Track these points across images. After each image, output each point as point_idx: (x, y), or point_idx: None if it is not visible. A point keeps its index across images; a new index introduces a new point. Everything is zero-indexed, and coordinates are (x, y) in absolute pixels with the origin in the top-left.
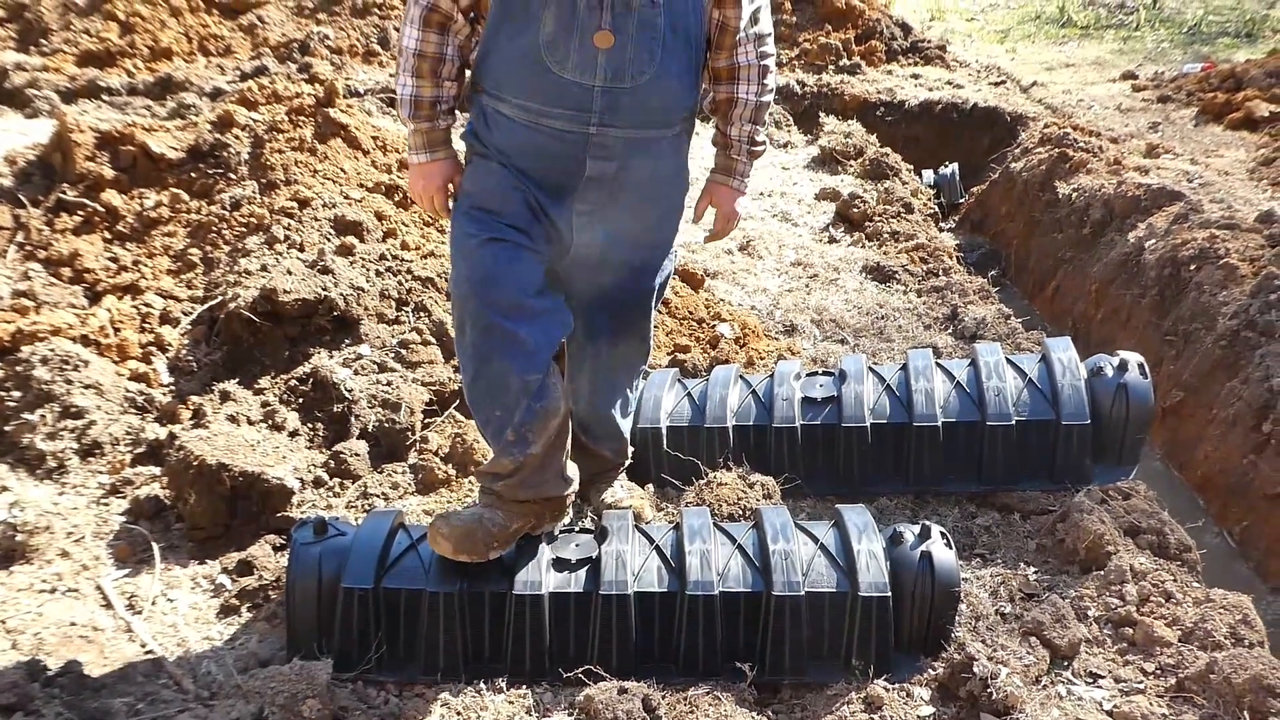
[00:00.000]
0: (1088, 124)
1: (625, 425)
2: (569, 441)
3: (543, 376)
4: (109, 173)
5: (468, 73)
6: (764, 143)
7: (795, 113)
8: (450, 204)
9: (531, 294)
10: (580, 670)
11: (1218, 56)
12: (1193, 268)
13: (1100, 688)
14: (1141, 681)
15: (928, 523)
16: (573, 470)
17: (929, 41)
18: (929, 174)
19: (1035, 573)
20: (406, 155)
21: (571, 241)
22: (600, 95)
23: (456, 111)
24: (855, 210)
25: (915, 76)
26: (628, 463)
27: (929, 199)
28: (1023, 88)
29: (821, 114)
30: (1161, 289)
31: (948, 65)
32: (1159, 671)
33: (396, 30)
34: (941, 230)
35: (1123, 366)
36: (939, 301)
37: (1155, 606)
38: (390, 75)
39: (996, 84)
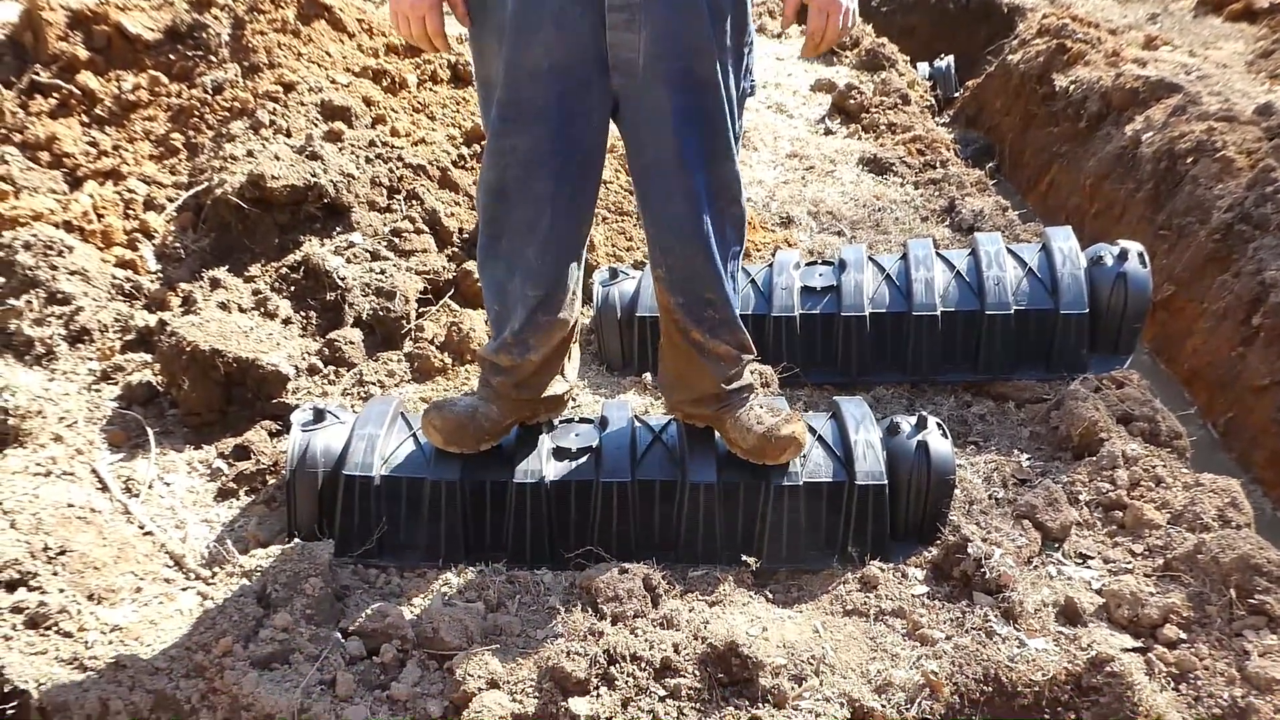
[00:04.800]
0: (1086, 14)
1: (733, 298)
2: (574, 348)
3: (546, 291)
4: (83, 53)
5: None
6: None
7: None
8: (442, 24)
9: (544, 208)
10: (580, 552)
11: None
12: (1189, 161)
13: (1090, 568)
14: (1130, 562)
15: (924, 413)
16: (572, 370)
17: None
18: (924, 66)
19: (1029, 459)
20: None
21: (610, 58)
22: None
23: None
24: (851, 101)
25: None
26: (753, 358)
27: (926, 90)
28: None
29: None
30: (1157, 183)
31: None
32: (1147, 552)
33: None
34: (937, 123)
35: (1123, 255)
36: (936, 194)
37: (1145, 491)
38: None
39: None
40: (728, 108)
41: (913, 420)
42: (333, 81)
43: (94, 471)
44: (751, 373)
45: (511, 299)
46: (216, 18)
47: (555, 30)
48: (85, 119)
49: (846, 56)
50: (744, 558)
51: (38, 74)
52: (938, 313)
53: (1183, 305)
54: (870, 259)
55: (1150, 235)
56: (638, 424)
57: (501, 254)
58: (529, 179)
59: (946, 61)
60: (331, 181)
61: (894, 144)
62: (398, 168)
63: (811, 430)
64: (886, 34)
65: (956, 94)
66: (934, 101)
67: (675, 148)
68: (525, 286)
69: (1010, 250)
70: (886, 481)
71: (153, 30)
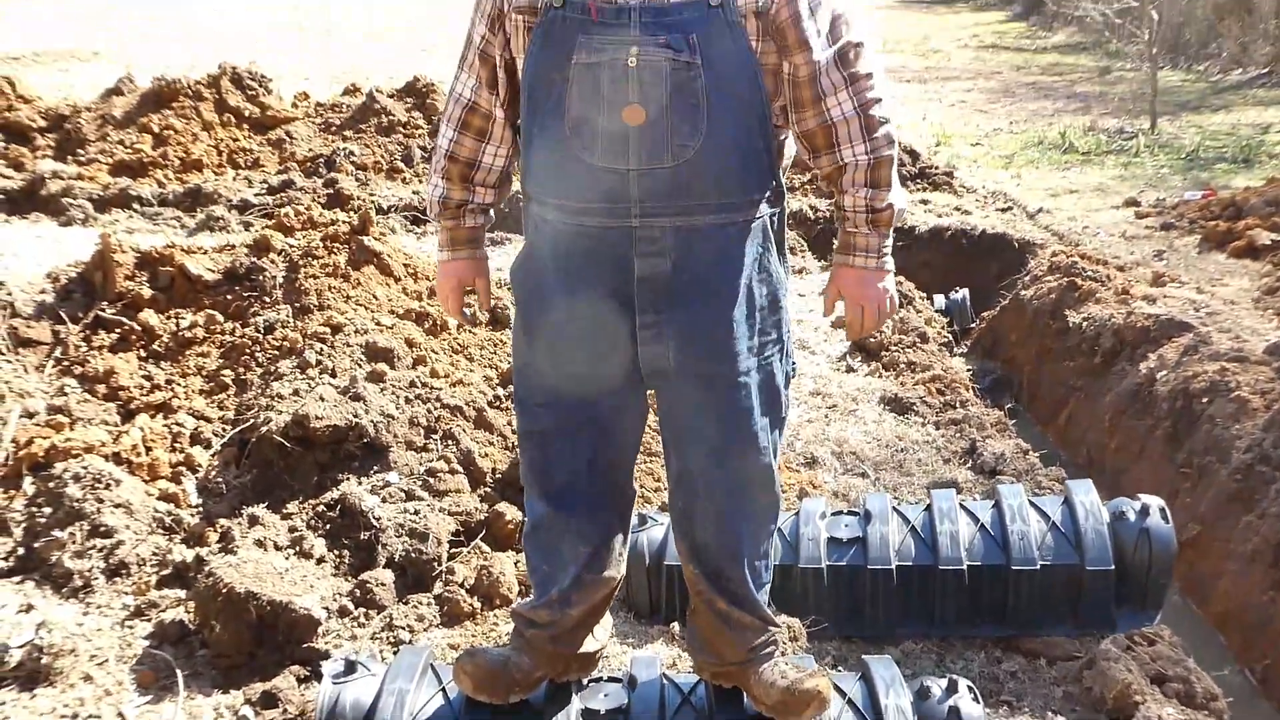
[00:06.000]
0: (1094, 252)
1: (755, 577)
2: (609, 604)
3: (594, 548)
4: (147, 292)
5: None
6: (889, 205)
7: (809, 237)
8: (465, 309)
9: (583, 477)
10: None
11: (1216, 182)
12: (1204, 400)
13: None
14: None
15: (955, 676)
16: (604, 630)
17: (936, 168)
18: (940, 298)
19: None
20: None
21: (642, 366)
22: (636, 180)
23: (490, 212)
24: (871, 339)
25: (924, 202)
26: (780, 631)
27: (943, 327)
28: (1029, 214)
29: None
30: (1174, 421)
31: (955, 191)
32: None
33: (421, 149)
34: (954, 355)
35: (1144, 511)
36: (957, 434)
37: None
38: (414, 192)
39: (1004, 210)
40: (761, 400)
41: (943, 683)
42: (378, 323)
43: (120, 716)
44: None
45: (560, 560)
46: (273, 261)
47: (592, 344)
48: (143, 353)
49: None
50: None
51: (103, 310)
52: (964, 567)
53: (1210, 546)
54: (895, 509)
55: (1171, 473)
56: (666, 683)
57: (552, 522)
58: (571, 455)
59: (962, 294)
60: (372, 422)
61: (914, 383)
62: (436, 408)
63: (840, 692)
64: (903, 268)
65: (973, 325)
66: (951, 337)
67: (705, 438)
68: (575, 547)
69: (1033, 503)
70: None
71: (213, 272)
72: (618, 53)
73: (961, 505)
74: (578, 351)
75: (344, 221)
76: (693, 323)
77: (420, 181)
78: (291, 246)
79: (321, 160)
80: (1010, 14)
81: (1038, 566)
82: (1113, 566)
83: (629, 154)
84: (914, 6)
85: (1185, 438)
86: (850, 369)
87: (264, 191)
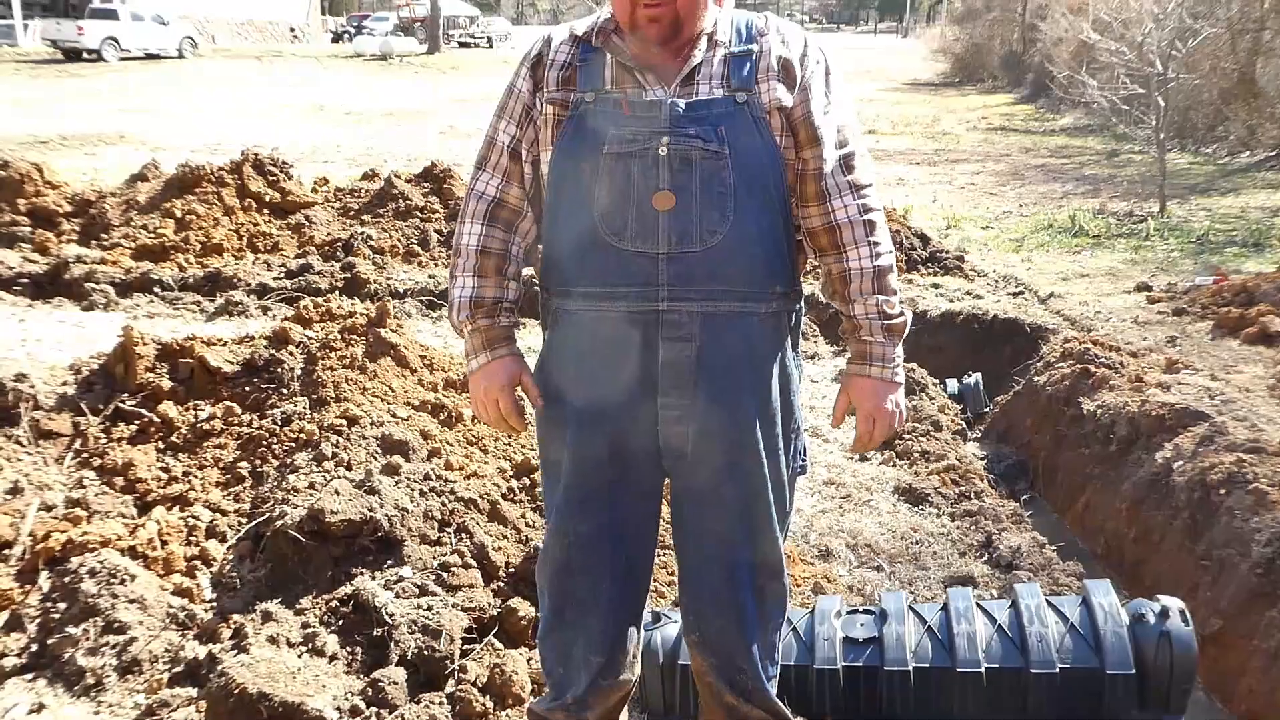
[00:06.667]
0: (1107, 337)
1: (765, 668)
2: (625, 705)
3: (609, 654)
4: (166, 384)
5: (527, 272)
6: (901, 312)
7: (821, 322)
8: (516, 407)
9: (605, 582)
10: None
11: (1227, 266)
12: (1222, 492)
13: None
14: None
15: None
16: None
17: (947, 252)
18: (953, 383)
19: None
20: (465, 365)
21: (661, 444)
22: (666, 263)
23: (516, 313)
24: None
25: (936, 286)
26: None
27: (956, 414)
28: (1040, 298)
29: None
30: (1192, 512)
31: (966, 275)
32: None
33: (437, 233)
34: (968, 441)
35: (1164, 614)
36: (972, 527)
37: None
38: (430, 276)
39: (1015, 294)
40: (773, 492)
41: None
42: (394, 415)
43: None
44: None
45: (574, 665)
46: (292, 353)
47: (616, 426)
48: (161, 445)
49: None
50: None
51: (123, 402)
52: (982, 669)
53: (1233, 641)
54: (911, 608)
55: (1192, 565)
56: None
57: (565, 624)
58: (592, 555)
59: (975, 378)
60: (387, 516)
61: (928, 473)
62: (450, 501)
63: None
64: (915, 352)
65: (986, 410)
66: (965, 424)
67: (717, 525)
68: (589, 653)
69: (1050, 603)
70: None
71: (232, 364)
72: (649, 143)
73: (978, 605)
74: (600, 437)
75: (362, 313)
76: (713, 409)
77: (437, 265)
78: (310, 339)
79: (339, 244)
80: (1018, 96)
81: (1057, 670)
82: (1134, 671)
83: (659, 238)
84: (922, 89)
85: (1204, 529)
86: (864, 457)
87: (282, 275)
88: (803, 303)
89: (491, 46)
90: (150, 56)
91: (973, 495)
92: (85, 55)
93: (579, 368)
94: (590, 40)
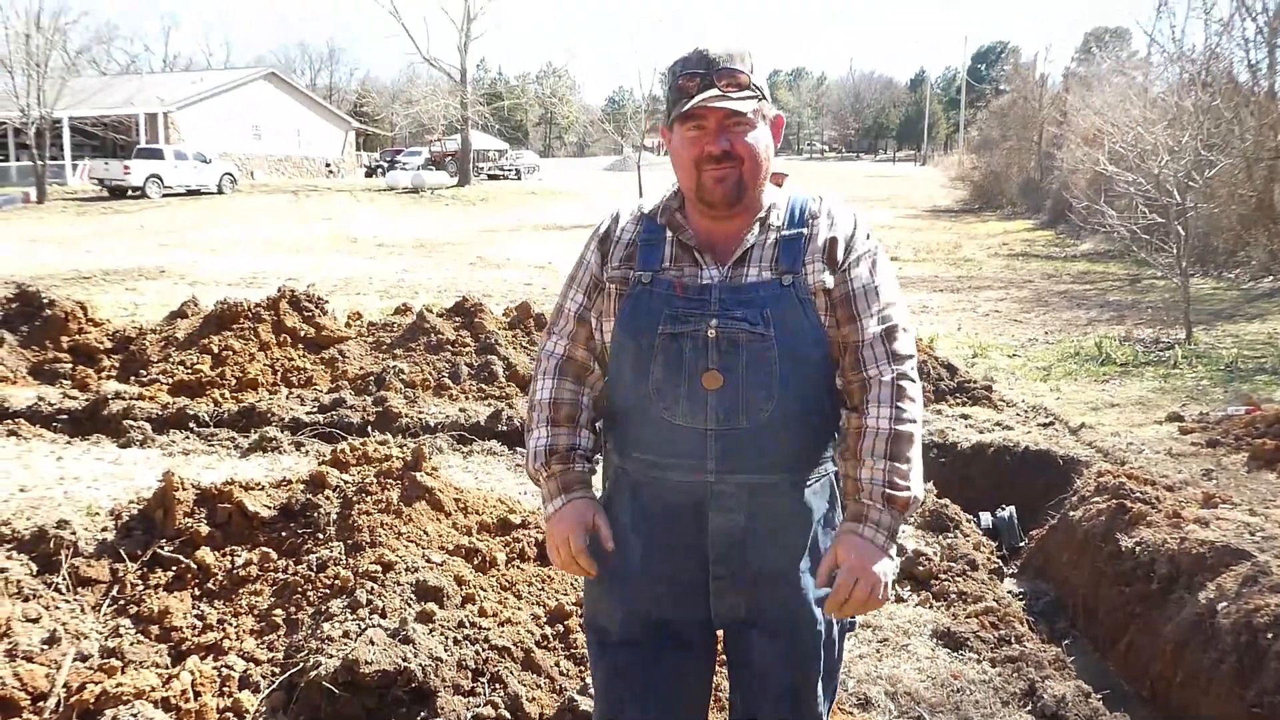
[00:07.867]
0: (1141, 470)
1: None
2: None
3: None
4: (204, 529)
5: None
6: (910, 486)
7: None
8: (586, 548)
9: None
10: None
11: (1259, 394)
12: (1269, 636)
13: None
14: None
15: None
16: None
17: (975, 381)
18: (986, 516)
19: None
20: (543, 511)
21: (713, 606)
22: (714, 439)
23: (592, 460)
24: (920, 568)
25: (964, 417)
26: None
27: (992, 551)
28: (1071, 429)
29: None
30: (1240, 656)
31: (995, 405)
32: None
33: (468, 366)
34: (1006, 576)
35: None
36: (1015, 674)
37: None
38: (460, 410)
39: (1045, 425)
40: (824, 651)
41: None
42: (428, 561)
43: None
44: None
45: None
46: (328, 498)
47: (669, 588)
48: (197, 592)
49: (911, 516)
50: None
51: (161, 548)
52: None
53: None
54: None
55: (1243, 711)
56: None
57: None
58: (642, 705)
59: (1009, 511)
60: (420, 666)
61: (966, 615)
62: (484, 649)
63: None
64: (946, 484)
65: (1021, 544)
66: (1000, 560)
67: (775, 688)
68: None
69: None
70: None
71: (269, 508)
72: (699, 325)
73: None
74: (650, 603)
75: (398, 456)
76: (764, 575)
77: (468, 399)
78: (346, 483)
79: (372, 378)
80: (1037, 222)
81: None
82: None
83: (707, 415)
84: (943, 215)
85: (1253, 675)
86: (900, 599)
87: (315, 410)
88: None
89: (520, 178)
90: (192, 193)
91: (1013, 640)
92: (130, 192)
93: (634, 524)
94: (655, 218)
